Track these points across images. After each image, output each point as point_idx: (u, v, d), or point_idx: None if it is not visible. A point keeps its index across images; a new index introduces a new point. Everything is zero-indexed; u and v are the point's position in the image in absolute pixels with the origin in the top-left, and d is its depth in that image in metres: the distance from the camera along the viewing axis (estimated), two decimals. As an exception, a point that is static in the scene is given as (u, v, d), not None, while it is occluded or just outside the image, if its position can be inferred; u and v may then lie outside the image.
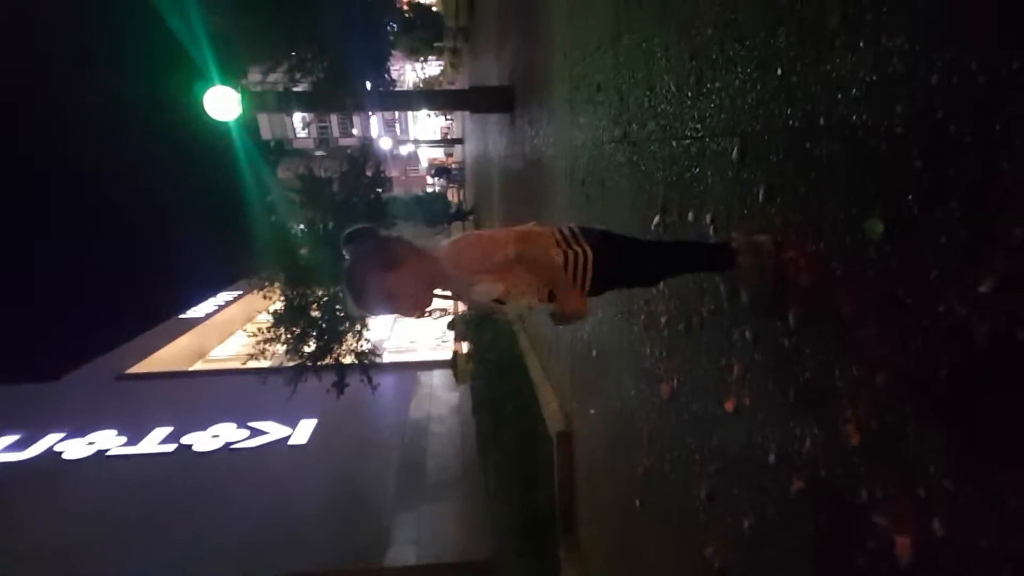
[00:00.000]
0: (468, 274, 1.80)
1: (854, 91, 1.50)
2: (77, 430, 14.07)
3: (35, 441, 13.83)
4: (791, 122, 1.76)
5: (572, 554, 5.00)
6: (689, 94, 2.43)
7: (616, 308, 3.59)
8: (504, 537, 7.35)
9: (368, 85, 11.70)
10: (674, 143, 2.59)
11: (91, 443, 13.74)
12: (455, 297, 1.96)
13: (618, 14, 3.28)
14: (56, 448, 13.66)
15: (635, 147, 3.09)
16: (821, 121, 1.63)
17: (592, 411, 4.34)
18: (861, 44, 1.47)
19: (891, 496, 1.45)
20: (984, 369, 1.21)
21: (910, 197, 1.35)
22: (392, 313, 1.83)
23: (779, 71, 1.81)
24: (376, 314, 1.91)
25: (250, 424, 14.31)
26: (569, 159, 4.67)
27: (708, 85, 2.26)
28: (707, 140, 2.29)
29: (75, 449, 13.58)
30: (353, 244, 1.76)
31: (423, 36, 24.13)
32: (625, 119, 3.23)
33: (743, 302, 2.09)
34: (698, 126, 2.37)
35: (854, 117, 1.51)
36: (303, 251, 13.12)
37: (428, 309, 1.85)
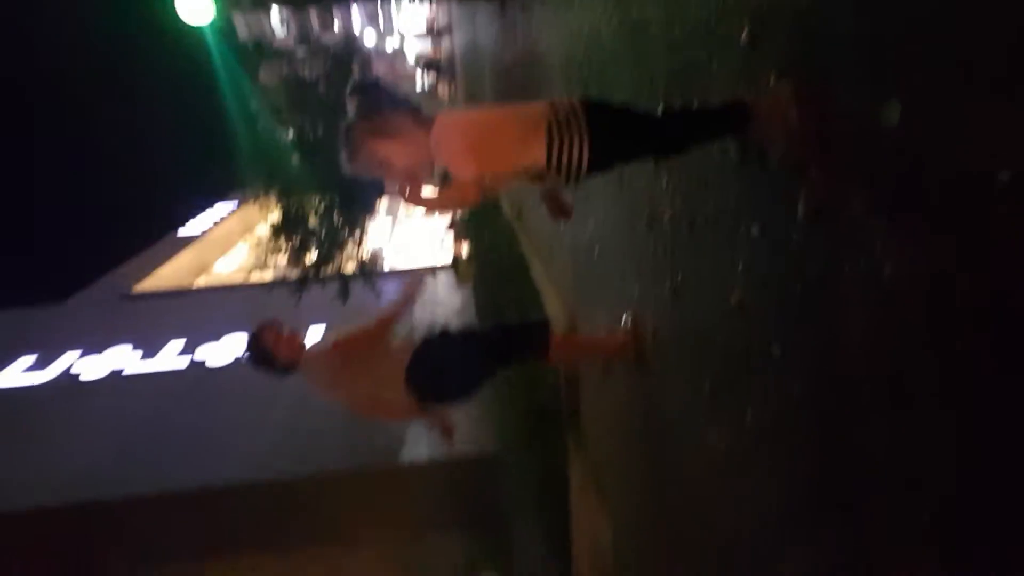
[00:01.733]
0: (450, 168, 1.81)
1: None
2: (92, 348, 14.36)
3: (52, 361, 14.13)
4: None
5: (579, 449, 5.22)
6: (694, -29, 2.24)
7: (618, 208, 3.52)
8: (511, 431, 7.67)
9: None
10: (677, 29, 2.42)
11: (107, 360, 14.06)
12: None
13: None
14: (74, 366, 13.99)
15: (635, 33, 2.90)
16: (840, -3, 1.50)
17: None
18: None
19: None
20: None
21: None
22: (385, 182, 1.85)
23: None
24: (366, 177, 1.90)
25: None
26: (565, 48, 4.42)
27: (715, -40, 2.07)
28: (713, 23, 2.13)
29: (93, 366, 13.91)
30: (358, 97, 1.73)
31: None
32: (625, 1, 3.01)
33: (770, 165, 1.87)
34: (703, 9, 2.20)
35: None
36: (294, 160, 12.80)
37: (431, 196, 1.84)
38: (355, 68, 13.81)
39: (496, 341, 3.01)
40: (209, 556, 9.05)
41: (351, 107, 1.73)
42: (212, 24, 6.98)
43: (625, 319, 3.39)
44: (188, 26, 6.66)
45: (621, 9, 3.08)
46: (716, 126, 1.93)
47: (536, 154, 1.79)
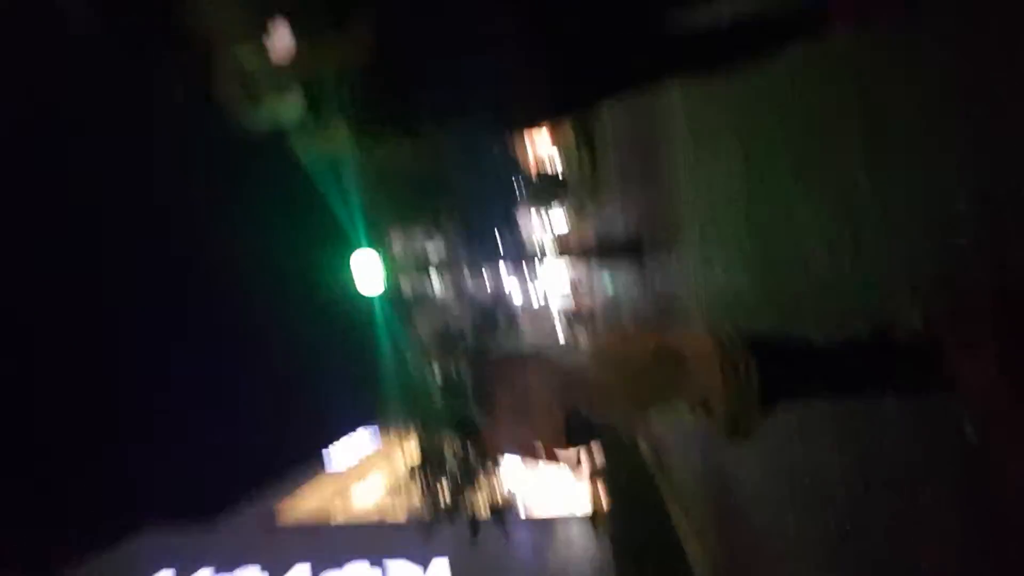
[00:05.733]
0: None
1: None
2: (224, 567, 14.61)
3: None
4: None
5: None
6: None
7: (797, 492, 3.15)
8: None
9: (500, 242, 12.37)
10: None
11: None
12: None
13: (749, 172, 3.21)
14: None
15: (787, 317, 2.85)
16: None
17: None
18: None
19: None
20: None
21: None
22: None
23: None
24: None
25: (383, 562, 13.99)
26: (706, 304, 4.47)
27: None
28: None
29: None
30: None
31: (547, 189, 25.43)
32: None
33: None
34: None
35: None
36: (437, 400, 13.42)
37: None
38: (501, 320, 14.93)
39: None
40: None
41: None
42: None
43: None
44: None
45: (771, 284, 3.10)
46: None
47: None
